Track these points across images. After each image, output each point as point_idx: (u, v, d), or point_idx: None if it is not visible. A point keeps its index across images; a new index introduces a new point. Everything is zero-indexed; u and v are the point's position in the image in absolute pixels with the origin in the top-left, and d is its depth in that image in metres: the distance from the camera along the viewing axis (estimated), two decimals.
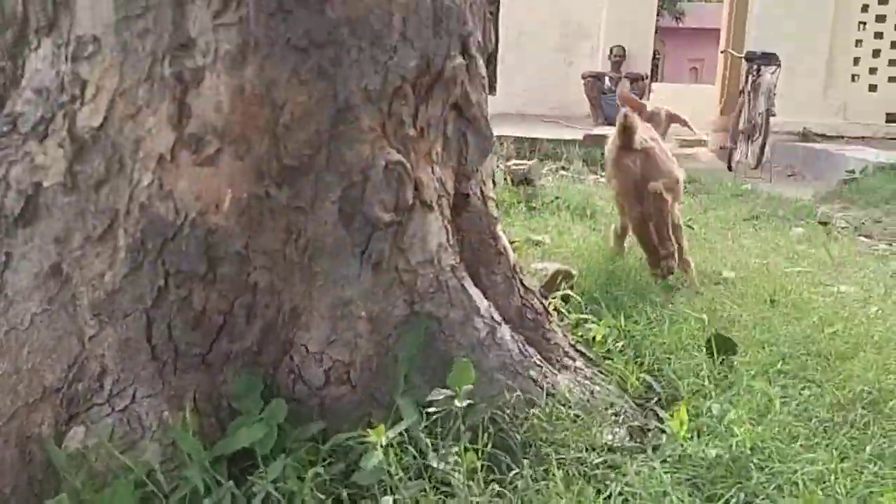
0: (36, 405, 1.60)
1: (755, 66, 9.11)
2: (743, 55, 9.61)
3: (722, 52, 11.88)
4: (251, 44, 1.63)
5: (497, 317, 1.94)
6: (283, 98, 1.66)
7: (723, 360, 2.20)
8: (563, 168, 7.49)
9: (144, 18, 1.64)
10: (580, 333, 2.42)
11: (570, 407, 1.81)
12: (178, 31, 1.64)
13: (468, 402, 1.67)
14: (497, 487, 1.54)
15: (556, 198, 4.97)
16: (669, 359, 2.26)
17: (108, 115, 1.66)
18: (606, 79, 12.21)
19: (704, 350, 2.25)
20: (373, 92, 1.73)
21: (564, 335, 2.25)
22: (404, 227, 1.81)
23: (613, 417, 1.86)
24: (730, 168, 9.10)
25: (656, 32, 13.85)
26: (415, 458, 1.60)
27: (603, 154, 3.52)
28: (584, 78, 12.38)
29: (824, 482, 1.57)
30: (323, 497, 1.50)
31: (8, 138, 1.73)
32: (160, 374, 1.63)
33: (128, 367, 1.62)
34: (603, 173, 4.61)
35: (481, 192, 2.18)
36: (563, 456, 1.65)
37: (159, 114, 1.65)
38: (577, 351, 2.23)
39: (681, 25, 32.09)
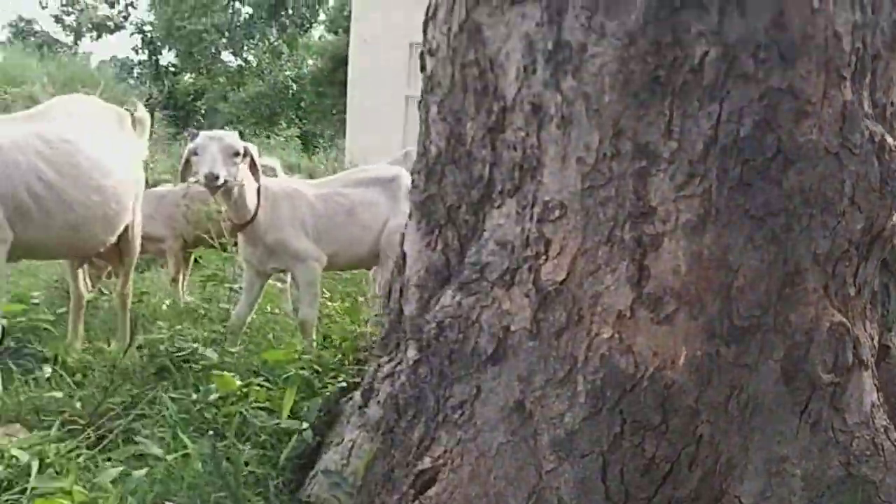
0: None
1: None
2: None
3: None
4: (712, 213, 1.76)
5: None
6: (737, 263, 1.76)
7: None
8: None
9: (607, 188, 1.84)
10: None
11: None
12: (640, 200, 1.81)
13: None
14: None
15: None
16: None
17: (571, 271, 1.87)
18: None
19: None
20: (821, 256, 1.79)
21: None
22: (843, 386, 1.83)
23: None
24: None
25: None
26: None
27: None
28: None
29: None
30: None
31: (477, 284, 2.00)
32: None
33: (583, 503, 1.78)
34: None
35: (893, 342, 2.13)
36: None
37: (618, 273, 1.82)
38: None
39: None
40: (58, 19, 34.63)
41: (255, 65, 31.14)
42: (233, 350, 3.08)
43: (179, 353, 3.16)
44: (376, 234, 3.59)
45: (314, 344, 3.39)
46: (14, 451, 2.21)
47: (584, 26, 1.84)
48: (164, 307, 4.55)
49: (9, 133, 3.08)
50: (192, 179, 3.41)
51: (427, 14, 2.32)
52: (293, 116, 28.20)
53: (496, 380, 1.91)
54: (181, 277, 4.57)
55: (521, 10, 1.95)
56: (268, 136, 25.03)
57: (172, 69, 31.72)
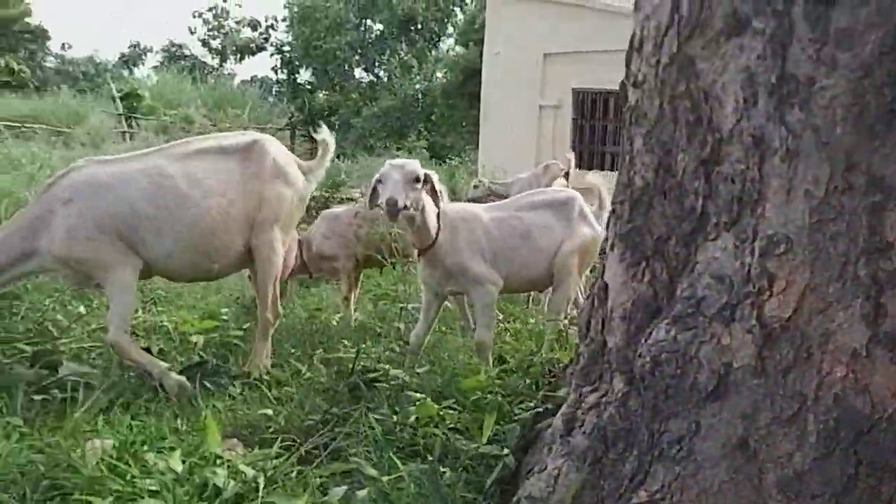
0: None
1: None
2: None
3: None
4: None
5: None
6: None
7: None
8: None
9: (838, 222, 1.79)
10: None
11: None
12: (875, 235, 1.75)
13: None
14: None
15: None
16: None
17: (798, 308, 1.83)
18: None
19: None
20: None
21: None
22: None
23: None
24: None
25: None
26: None
27: None
28: None
29: None
30: None
31: (693, 319, 1.99)
32: None
33: None
34: None
35: None
36: None
37: (852, 311, 1.77)
38: None
39: None
40: (205, 43, 36.97)
41: (386, 80, 32.07)
42: (419, 371, 3.19)
43: (369, 372, 3.31)
44: (550, 257, 3.62)
45: (490, 364, 3.47)
46: (242, 467, 2.39)
47: (813, 59, 1.80)
48: (335, 322, 4.76)
49: (121, 169, 3.59)
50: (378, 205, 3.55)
51: (631, 46, 2.33)
52: (422, 129, 28.80)
53: (717, 416, 1.90)
54: (352, 295, 4.77)
55: (739, 42, 1.93)
56: (398, 148, 25.74)
57: (308, 87, 33.13)
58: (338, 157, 23.79)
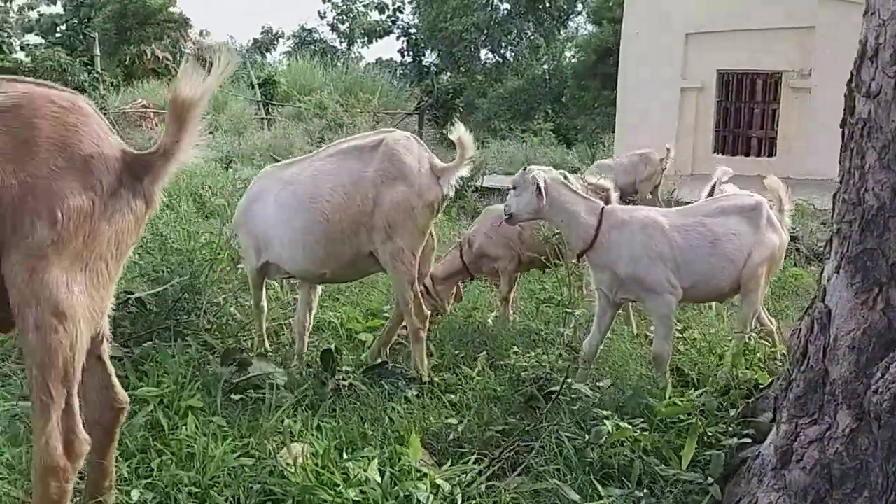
0: None
1: None
2: None
3: None
4: None
5: None
6: None
7: None
8: None
9: None
10: None
11: None
12: None
13: None
14: None
15: None
16: None
17: None
18: None
19: None
20: None
21: None
22: None
23: None
24: None
25: None
26: None
27: None
28: None
29: None
30: None
31: None
32: None
33: None
34: None
35: None
36: None
37: None
38: None
39: None
40: (333, 27, 37.82)
41: (512, 60, 31.77)
42: (600, 384, 3.12)
43: (543, 381, 3.27)
44: (739, 266, 3.44)
45: (667, 377, 3.35)
46: (439, 481, 2.40)
47: None
48: (490, 321, 4.74)
49: (280, 174, 3.84)
50: None
51: (862, 54, 2.15)
52: (549, 111, 28.38)
53: None
54: (511, 297, 4.72)
55: None
56: (523, 131, 25.48)
57: (434, 69, 33.29)
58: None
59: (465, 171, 3.73)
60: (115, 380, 2.31)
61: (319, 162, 3.79)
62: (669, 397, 2.95)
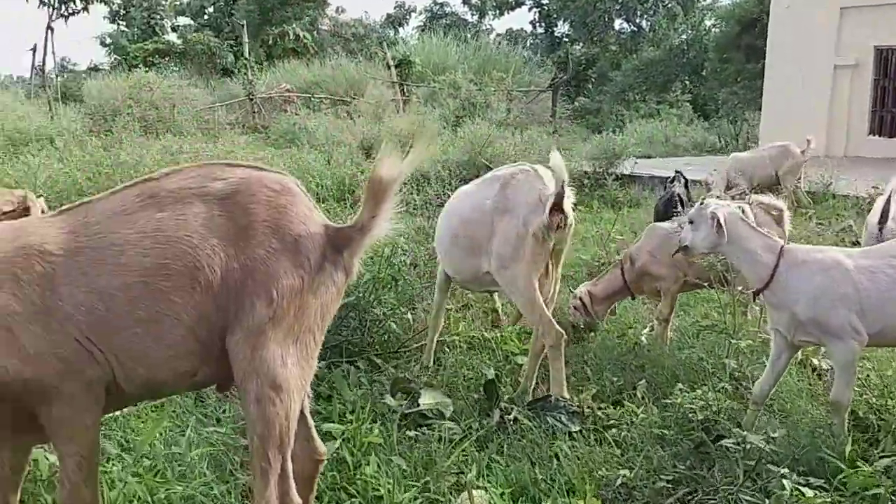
0: None
1: None
2: None
3: None
4: None
5: None
6: None
7: None
8: None
9: None
10: None
11: None
12: None
13: None
14: None
15: None
16: None
17: None
18: None
19: None
20: None
21: None
22: None
23: None
24: None
25: None
26: None
27: None
28: None
29: None
30: None
31: None
32: None
33: None
34: None
35: None
36: None
37: None
38: None
39: None
40: (465, 0, 37.83)
41: (648, 30, 30.75)
42: (774, 435, 3.04)
43: (711, 423, 3.22)
44: None
45: (846, 427, 3.23)
46: None
47: None
48: (644, 339, 4.69)
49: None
50: None
51: None
52: (686, 82, 27.31)
53: None
54: (671, 318, 4.63)
55: None
56: (658, 102, 24.65)
57: (567, 40, 32.73)
58: (596, 121, 23.31)
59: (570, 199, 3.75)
60: (314, 432, 2.48)
61: (475, 185, 4.21)
62: (850, 453, 2.86)
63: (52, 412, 2.07)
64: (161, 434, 3.10)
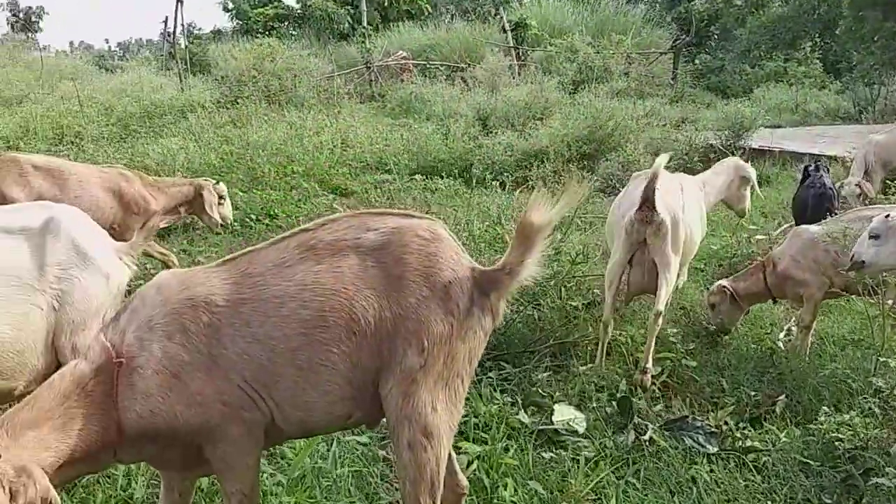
0: None
1: None
2: None
3: None
4: None
5: None
6: None
7: None
8: None
9: None
10: None
11: None
12: None
13: None
14: None
15: None
16: None
17: None
18: None
19: None
20: None
21: None
22: None
23: None
24: None
25: None
26: None
27: None
28: None
29: None
30: None
31: None
32: None
33: None
34: None
35: None
36: None
37: None
38: None
39: None
40: None
41: None
42: None
43: (859, 451, 3.09)
44: None
45: None
46: None
47: None
48: (780, 345, 4.51)
49: None
50: None
51: None
52: (818, 40, 25.55)
53: None
54: (812, 326, 4.41)
55: None
56: (786, 60, 23.18)
57: None
58: (718, 81, 22.17)
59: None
60: (457, 465, 2.54)
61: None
62: None
63: (217, 452, 2.21)
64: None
